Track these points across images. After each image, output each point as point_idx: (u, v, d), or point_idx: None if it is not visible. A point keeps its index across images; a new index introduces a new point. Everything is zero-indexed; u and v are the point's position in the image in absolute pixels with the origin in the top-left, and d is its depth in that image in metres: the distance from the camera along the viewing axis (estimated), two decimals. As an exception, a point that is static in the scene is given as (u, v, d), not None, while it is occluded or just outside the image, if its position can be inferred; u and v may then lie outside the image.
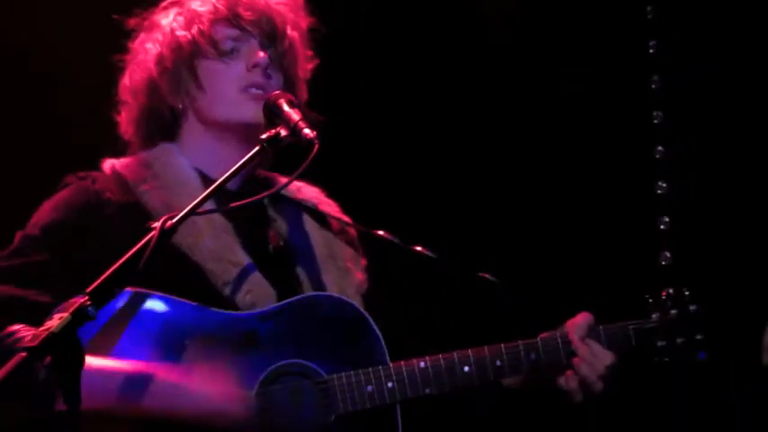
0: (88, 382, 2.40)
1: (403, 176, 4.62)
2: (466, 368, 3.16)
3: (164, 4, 3.36)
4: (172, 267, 3.06)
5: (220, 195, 3.08)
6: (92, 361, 2.58)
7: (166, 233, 2.57)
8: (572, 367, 3.21)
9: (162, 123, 3.31)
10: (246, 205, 2.92)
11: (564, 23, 4.55)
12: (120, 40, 3.37)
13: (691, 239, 3.52)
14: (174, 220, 2.60)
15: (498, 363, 3.18)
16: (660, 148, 3.52)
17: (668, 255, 3.32)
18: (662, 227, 3.40)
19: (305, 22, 3.38)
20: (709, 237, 4.16)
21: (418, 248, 3.34)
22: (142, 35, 3.34)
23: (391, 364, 3.13)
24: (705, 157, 4.22)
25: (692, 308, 3.28)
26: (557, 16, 4.55)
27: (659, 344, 3.27)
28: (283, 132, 2.96)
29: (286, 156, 3.09)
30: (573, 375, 3.21)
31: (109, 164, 3.28)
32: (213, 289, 3.11)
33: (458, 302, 4.19)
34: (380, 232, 3.35)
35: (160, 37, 3.29)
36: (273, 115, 3.06)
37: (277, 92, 3.12)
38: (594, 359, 3.19)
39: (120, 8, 3.39)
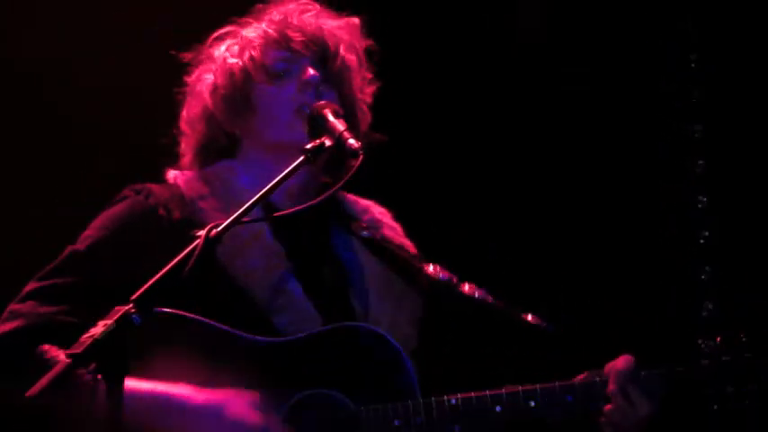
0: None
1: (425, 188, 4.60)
2: (498, 408, 3.10)
3: (217, 34, 3.38)
4: (219, 290, 3.07)
5: (270, 211, 3.13)
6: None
7: (211, 242, 2.57)
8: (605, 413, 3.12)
9: (220, 148, 3.33)
10: (302, 227, 2.90)
11: (580, 25, 4.53)
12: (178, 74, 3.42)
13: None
14: (219, 228, 2.60)
15: (532, 404, 3.11)
16: (701, 161, 3.48)
17: (710, 306, 3.25)
18: (703, 276, 3.34)
19: (361, 43, 3.38)
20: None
21: (466, 287, 3.28)
22: (198, 68, 3.37)
23: (421, 400, 3.08)
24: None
25: (747, 356, 3.13)
26: (571, 17, 4.53)
27: (708, 391, 3.14)
28: (328, 143, 2.95)
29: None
30: (606, 421, 3.12)
31: (171, 175, 3.30)
32: (257, 314, 3.11)
33: (501, 341, 4.15)
34: (430, 268, 3.31)
35: (214, 67, 3.32)
36: (318, 126, 3.06)
37: (322, 102, 3.13)
38: (630, 409, 3.10)
39: (178, 43, 3.43)
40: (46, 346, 2.94)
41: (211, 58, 3.35)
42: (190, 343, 2.99)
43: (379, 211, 3.43)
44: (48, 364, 2.87)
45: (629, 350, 3.19)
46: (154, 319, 2.49)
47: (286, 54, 3.26)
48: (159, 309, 2.56)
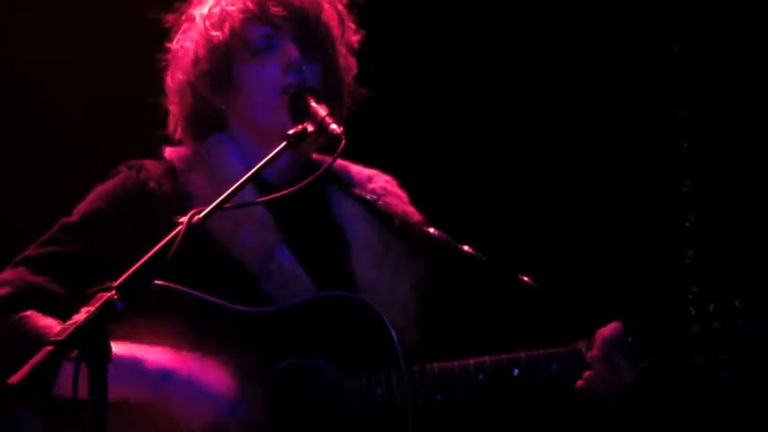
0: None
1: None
2: (481, 376, 3.10)
3: None
4: (210, 262, 3.09)
5: (264, 190, 3.14)
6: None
7: (194, 228, 2.58)
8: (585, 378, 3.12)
9: (208, 121, 3.33)
10: (292, 197, 2.85)
11: (573, 24, 4.51)
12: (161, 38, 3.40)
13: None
14: (202, 215, 2.60)
15: (516, 372, 3.11)
16: (685, 145, 3.47)
17: (692, 252, 3.24)
18: (687, 261, 3.33)
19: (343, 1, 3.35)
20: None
21: (465, 248, 3.28)
22: (179, 32, 3.34)
23: (404, 369, 3.07)
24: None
25: (739, 322, 3.10)
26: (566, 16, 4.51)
27: (696, 359, 3.12)
28: (310, 128, 2.96)
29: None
30: (585, 387, 3.12)
31: (167, 152, 3.32)
32: (250, 283, 3.12)
33: (498, 306, 4.15)
34: (431, 230, 3.30)
35: (194, 35, 3.29)
36: (300, 111, 3.08)
37: (303, 85, 3.14)
38: (611, 376, 3.10)
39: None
40: (28, 312, 2.98)
41: (192, 22, 3.31)
42: (174, 312, 2.99)
43: (384, 179, 3.42)
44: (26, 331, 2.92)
45: (620, 316, 3.18)
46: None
47: (267, 29, 3.23)
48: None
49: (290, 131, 2.93)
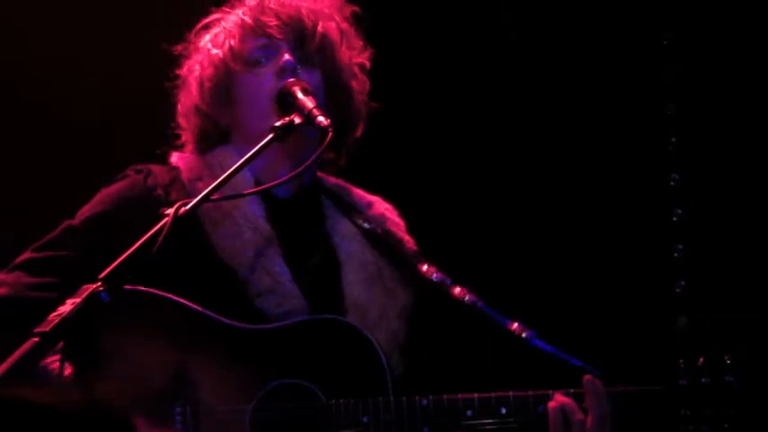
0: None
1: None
2: (469, 412, 3.05)
3: (203, 24, 3.39)
4: (208, 270, 3.09)
5: (272, 206, 3.16)
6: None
7: (179, 220, 2.57)
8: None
9: (215, 137, 3.35)
10: (298, 213, 2.92)
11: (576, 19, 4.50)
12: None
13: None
14: (188, 206, 2.60)
15: (504, 410, 3.05)
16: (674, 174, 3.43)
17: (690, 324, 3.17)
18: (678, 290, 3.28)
19: (343, 12, 3.36)
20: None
21: (457, 290, 3.22)
22: (188, 60, 3.38)
23: (392, 398, 3.04)
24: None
25: (727, 378, 3.03)
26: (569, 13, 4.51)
27: (683, 412, 3.03)
28: (297, 120, 2.96)
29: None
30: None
31: (174, 158, 3.33)
32: (244, 297, 3.11)
33: (485, 345, 4.11)
34: (425, 267, 3.26)
35: (200, 58, 3.33)
36: (287, 104, 3.08)
37: (291, 80, 3.14)
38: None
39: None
40: None
41: (198, 49, 3.36)
42: (164, 322, 2.98)
43: (384, 207, 3.42)
44: None
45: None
46: (126, 296, 2.49)
47: (263, 41, 3.25)
48: (130, 286, 2.54)
49: (278, 123, 2.93)
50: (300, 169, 2.90)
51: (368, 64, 3.41)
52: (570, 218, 4.50)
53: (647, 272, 4.27)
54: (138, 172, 3.26)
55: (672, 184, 4.12)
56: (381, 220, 3.37)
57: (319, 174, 3.40)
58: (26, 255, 3.14)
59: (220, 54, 3.27)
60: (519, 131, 4.57)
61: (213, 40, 3.32)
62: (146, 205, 3.14)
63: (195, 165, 3.29)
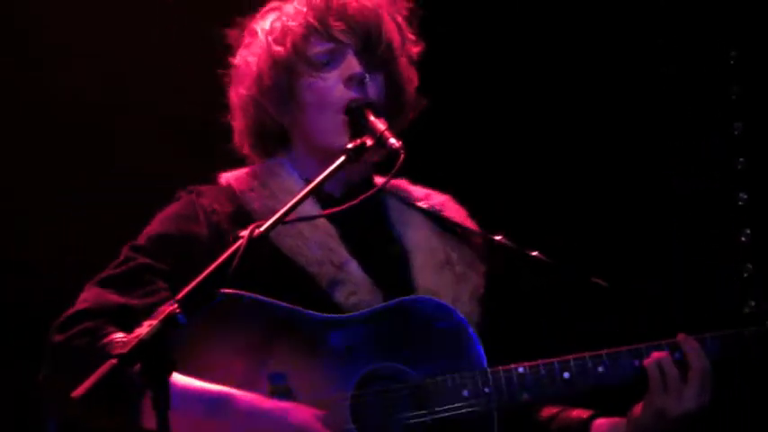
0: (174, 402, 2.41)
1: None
2: (566, 374, 3.12)
3: (262, 11, 3.35)
4: (276, 272, 3.10)
5: (327, 204, 3.16)
6: (178, 379, 2.58)
7: (255, 241, 2.58)
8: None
9: (273, 136, 3.35)
10: (351, 210, 2.87)
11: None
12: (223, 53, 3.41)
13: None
14: (263, 228, 2.61)
15: (600, 369, 3.12)
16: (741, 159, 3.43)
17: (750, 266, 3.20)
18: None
19: (403, 7, 3.34)
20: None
21: (534, 254, 3.31)
22: (242, 48, 3.35)
23: (489, 370, 3.10)
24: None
25: None
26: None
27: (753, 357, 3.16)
28: (369, 142, 2.96)
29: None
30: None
31: (223, 177, 3.34)
32: (317, 292, 3.12)
33: (571, 309, 4.13)
34: (498, 237, 3.32)
35: (258, 50, 3.29)
36: (359, 125, 3.09)
37: (361, 99, 3.15)
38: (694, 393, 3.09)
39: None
40: (106, 330, 2.96)
41: (254, 37, 3.32)
42: (249, 321, 3.00)
43: (443, 197, 3.43)
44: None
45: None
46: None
47: (329, 45, 3.22)
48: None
49: (350, 145, 2.93)
50: (378, 188, 2.94)
51: (417, 57, 3.38)
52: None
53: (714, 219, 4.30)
54: (189, 192, 3.28)
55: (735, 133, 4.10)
56: (440, 208, 3.38)
57: (376, 176, 3.39)
58: (99, 276, 3.14)
59: (283, 52, 3.24)
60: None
61: (271, 33, 3.27)
62: (201, 220, 3.19)
63: (245, 177, 3.30)
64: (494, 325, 3.18)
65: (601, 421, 3.25)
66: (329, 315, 3.08)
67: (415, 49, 3.38)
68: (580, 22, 4.60)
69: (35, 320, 3.79)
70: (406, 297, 3.15)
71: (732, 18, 4.18)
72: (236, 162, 3.43)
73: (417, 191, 3.43)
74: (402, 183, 3.42)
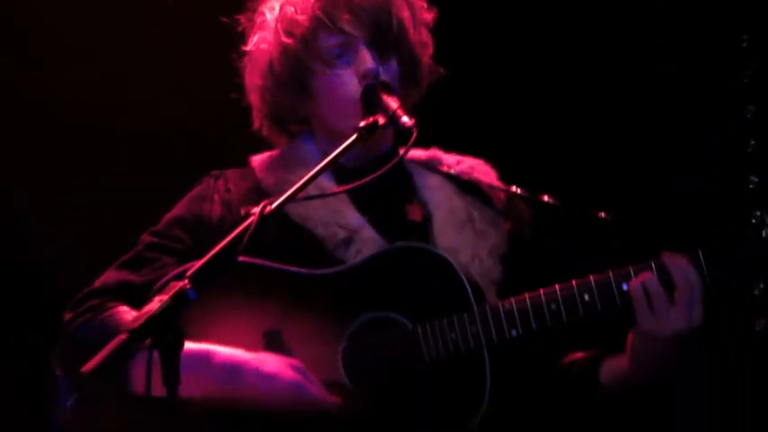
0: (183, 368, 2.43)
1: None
2: (553, 305, 3.03)
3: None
4: (285, 237, 3.11)
5: (341, 176, 3.19)
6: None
7: (265, 218, 2.58)
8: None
9: (290, 120, 3.37)
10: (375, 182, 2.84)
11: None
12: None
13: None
14: (273, 206, 2.62)
15: (587, 297, 3.02)
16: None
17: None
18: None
19: None
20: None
21: (545, 198, 3.27)
22: (254, 34, 3.33)
23: (475, 309, 3.05)
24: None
25: None
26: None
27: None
28: (381, 120, 2.96)
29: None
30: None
31: (253, 160, 3.37)
32: (325, 253, 3.14)
33: (581, 248, 4.05)
34: (513, 188, 3.31)
35: (269, 37, 3.28)
36: (371, 103, 3.08)
37: (374, 79, 3.14)
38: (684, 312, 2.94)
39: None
40: (118, 307, 3.04)
41: (264, 22, 3.30)
42: (242, 282, 2.99)
43: (472, 161, 3.41)
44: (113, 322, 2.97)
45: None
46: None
47: (339, 38, 3.19)
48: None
49: (362, 124, 2.94)
50: (388, 167, 2.88)
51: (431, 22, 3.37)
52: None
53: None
54: (210, 176, 3.34)
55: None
56: (471, 170, 3.37)
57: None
58: (118, 260, 3.20)
59: (293, 45, 3.22)
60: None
61: (281, 21, 3.24)
62: (215, 202, 3.25)
63: (268, 158, 3.33)
64: (516, 285, 3.13)
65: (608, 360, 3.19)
66: (320, 270, 3.09)
67: (429, 16, 3.35)
68: (580, 22, 4.59)
69: (35, 320, 3.81)
70: (392, 245, 3.14)
71: (732, 18, 4.18)
72: (236, 162, 3.44)
73: (448, 158, 3.41)
74: (434, 152, 3.41)
